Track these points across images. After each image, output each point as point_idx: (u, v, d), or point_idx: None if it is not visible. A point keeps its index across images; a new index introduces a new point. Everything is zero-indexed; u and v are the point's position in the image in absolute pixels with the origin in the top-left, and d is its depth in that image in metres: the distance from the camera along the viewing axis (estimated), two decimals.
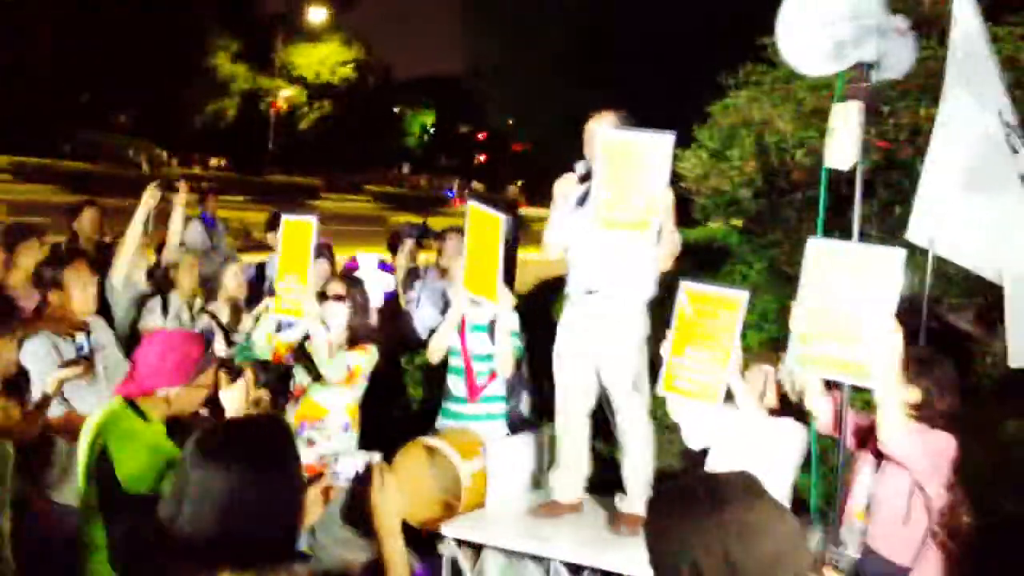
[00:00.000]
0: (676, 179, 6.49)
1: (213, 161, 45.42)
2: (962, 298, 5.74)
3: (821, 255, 3.67)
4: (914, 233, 4.63)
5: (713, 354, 3.96)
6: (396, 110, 57.92)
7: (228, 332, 5.20)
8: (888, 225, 5.47)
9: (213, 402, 3.15)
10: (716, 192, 6.25)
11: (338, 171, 45.90)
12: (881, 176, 5.72)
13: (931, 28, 5.86)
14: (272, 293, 4.93)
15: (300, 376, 4.94)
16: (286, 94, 45.69)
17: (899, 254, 3.52)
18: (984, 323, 6.30)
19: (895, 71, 3.83)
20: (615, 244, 4.51)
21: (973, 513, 3.72)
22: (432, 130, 65.60)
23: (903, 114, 5.65)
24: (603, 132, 4.38)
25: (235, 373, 3.13)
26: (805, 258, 3.67)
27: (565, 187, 4.69)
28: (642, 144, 4.22)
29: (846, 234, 3.93)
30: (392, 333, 6.07)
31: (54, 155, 34.13)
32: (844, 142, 3.73)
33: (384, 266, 6.26)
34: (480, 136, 64.65)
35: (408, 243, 6.64)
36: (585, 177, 4.64)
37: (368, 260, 5.78)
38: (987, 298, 5.40)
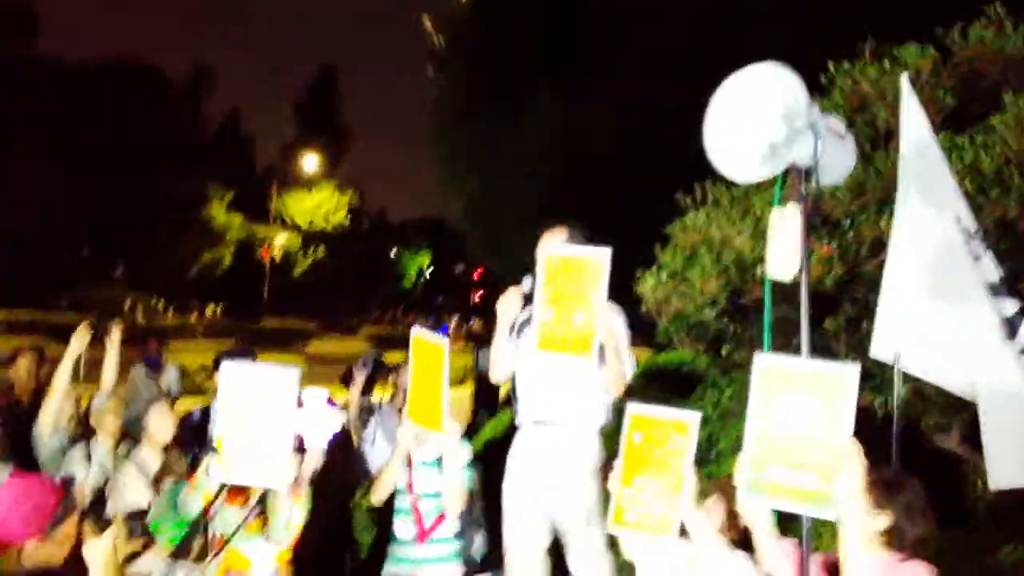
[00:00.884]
0: (637, 302, 6.28)
1: (209, 309, 45.57)
2: (943, 417, 5.43)
3: (770, 372, 3.40)
4: (878, 349, 4.38)
5: (665, 483, 3.65)
6: (392, 253, 58.50)
7: (157, 480, 4.87)
8: (855, 341, 5.21)
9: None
10: (679, 314, 6.04)
11: (334, 314, 46.04)
12: (846, 291, 5.50)
13: (889, 141, 5.75)
14: (213, 449, 4.55)
15: (220, 525, 4.59)
16: (280, 241, 46.25)
17: (853, 370, 3.23)
18: (971, 443, 5.98)
19: (835, 174, 3.63)
20: (560, 369, 4.27)
21: None
22: (429, 270, 66.10)
23: (864, 227, 5.47)
24: (544, 248, 4.20)
25: (103, 524, 2.80)
26: (753, 375, 3.39)
27: (508, 305, 4.46)
28: (581, 260, 4.02)
29: (821, 351, 3.67)
30: (344, 474, 5.75)
31: (49, 309, 34.23)
32: (784, 249, 3.50)
33: (332, 403, 5.97)
34: (476, 274, 65.12)
35: (360, 377, 6.40)
36: (531, 296, 4.44)
37: (314, 396, 5.47)
38: (971, 416, 5.11)
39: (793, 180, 3.55)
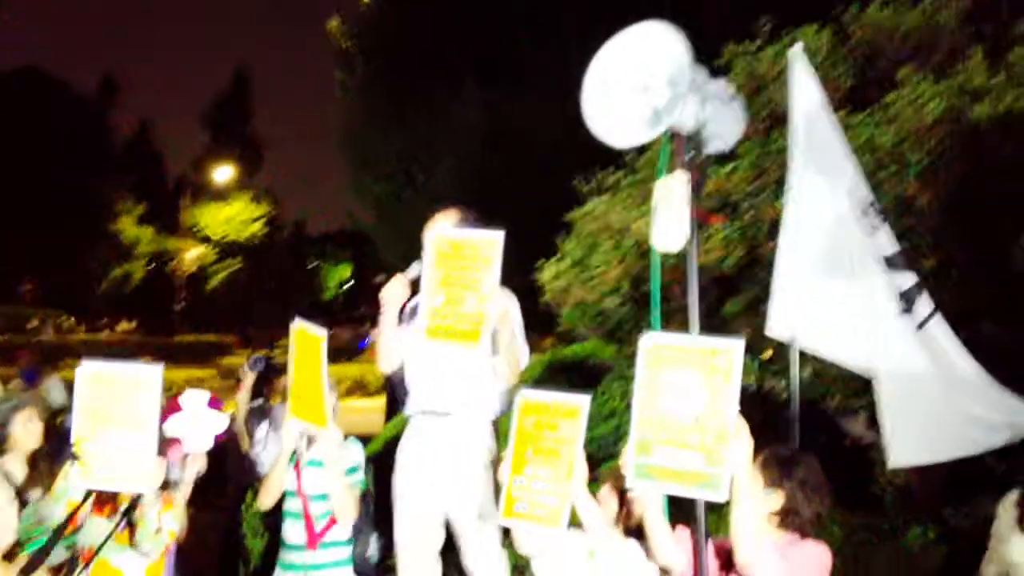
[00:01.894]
0: (538, 292, 6.11)
1: (122, 325, 44.31)
2: (847, 398, 5.35)
3: (655, 350, 3.22)
4: (774, 327, 4.25)
5: (556, 472, 3.45)
6: (310, 265, 57.67)
7: (20, 491, 4.51)
8: (756, 324, 5.09)
9: None
10: (581, 303, 5.89)
11: (253, 328, 45.04)
12: (746, 274, 5.40)
13: (787, 122, 5.66)
14: (72, 456, 4.20)
15: (88, 537, 4.26)
16: (193, 254, 45.21)
17: (737, 344, 3.07)
18: (878, 427, 5.94)
19: (722, 141, 3.47)
20: (450, 357, 4.06)
21: None
22: (350, 283, 65.29)
23: (763, 208, 5.38)
24: (433, 231, 3.97)
25: None
26: (639, 354, 3.21)
27: (394, 292, 4.22)
28: (473, 242, 3.80)
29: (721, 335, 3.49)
30: (234, 478, 5.44)
31: None
32: (669, 220, 3.33)
33: (216, 403, 5.66)
34: None
35: (248, 379, 6.08)
36: (419, 282, 4.20)
37: (196, 398, 5.16)
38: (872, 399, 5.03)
39: (677, 147, 3.38)
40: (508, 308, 4.10)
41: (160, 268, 44.59)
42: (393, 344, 4.34)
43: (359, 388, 20.55)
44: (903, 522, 5.50)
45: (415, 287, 4.18)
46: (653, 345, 3.18)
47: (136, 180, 43.31)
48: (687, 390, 3.07)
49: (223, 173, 47.11)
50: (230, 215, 46.90)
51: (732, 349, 3.03)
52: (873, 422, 5.75)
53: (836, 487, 4.60)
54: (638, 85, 3.33)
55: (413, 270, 4.19)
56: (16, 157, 36.86)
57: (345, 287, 64.47)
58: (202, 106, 51.70)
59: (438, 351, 4.01)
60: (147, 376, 3.96)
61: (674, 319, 3.95)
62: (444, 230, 4.00)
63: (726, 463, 2.96)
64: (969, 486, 5.49)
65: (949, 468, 5.63)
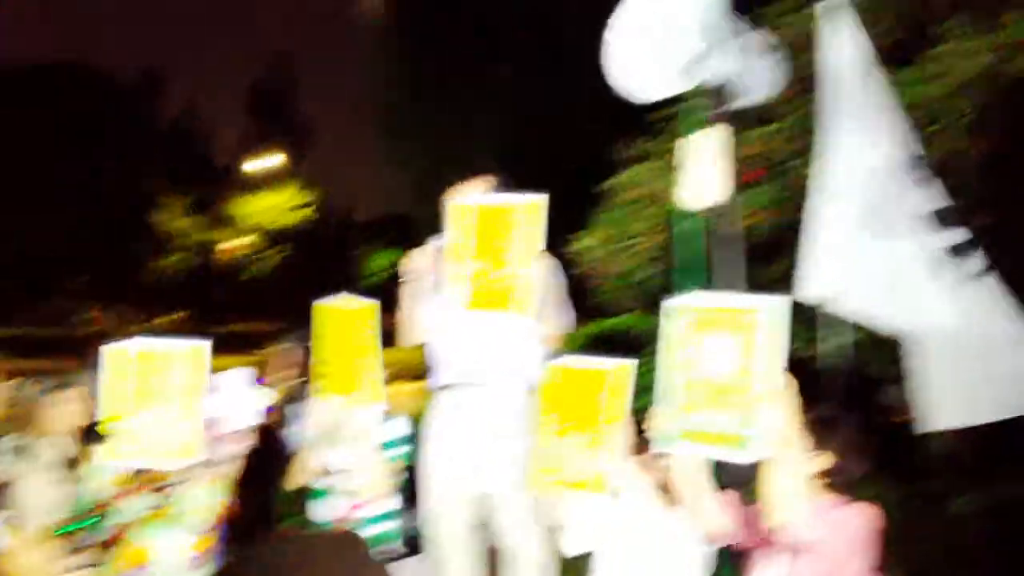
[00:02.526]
0: (573, 264, 6.00)
1: (174, 315, 44.79)
2: (890, 364, 5.19)
3: (683, 312, 3.11)
4: (805, 289, 4.09)
5: (597, 437, 3.36)
6: (356, 252, 57.83)
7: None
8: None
9: None
10: (620, 275, 5.75)
11: (302, 314, 45.12)
12: (785, 239, 5.24)
13: None
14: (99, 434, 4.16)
15: (125, 514, 4.23)
16: (241, 243, 45.52)
17: (782, 303, 2.95)
18: None
19: (756, 94, 3.35)
20: (485, 326, 3.98)
21: None
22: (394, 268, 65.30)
23: (804, 171, 5.20)
24: (471, 198, 3.89)
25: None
26: (661, 321, 3.10)
27: (420, 262, 4.14)
28: (513, 209, 3.72)
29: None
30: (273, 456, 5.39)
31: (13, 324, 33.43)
32: (700, 176, 3.22)
33: (261, 380, 5.64)
34: None
35: (284, 356, 6.01)
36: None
37: (238, 376, 5.14)
38: None
39: (712, 100, 3.27)
40: (551, 273, 4.00)
41: (208, 257, 44.89)
42: (415, 318, 4.25)
43: (405, 372, 20.57)
44: (951, 490, 5.35)
45: (438, 257, 4.11)
46: (680, 306, 3.08)
47: (180, 170, 43.57)
48: (720, 350, 2.97)
49: (268, 162, 47.34)
50: (276, 203, 47.10)
51: (764, 308, 2.91)
52: None
53: (880, 456, 4.49)
54: (671, 33, 3.22)
55: (436, 241, 4.11)
56: (61, 151, 37.29)
57: (388, 273, 64.56)
58: (246, 95, 51.98)
59: (472, 320, 3.94)
60: (193, 350, 3.95)
61: (713, 281, 3.83)
62: (482, 196, 3.93)
63: (761, 424, 2.85)
64: (1019, 453, 5.33)
65: (997, 435, 5.48)
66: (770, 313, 2.87)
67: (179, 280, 43.75)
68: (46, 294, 38.19)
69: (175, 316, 44.27)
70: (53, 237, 37.04)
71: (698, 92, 3.24)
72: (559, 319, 4.10)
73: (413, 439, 4.52)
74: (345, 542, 1.07)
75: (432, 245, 4.12)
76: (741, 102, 3.26)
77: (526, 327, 4.00)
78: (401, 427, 4.45)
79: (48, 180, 36.76)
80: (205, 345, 3.98)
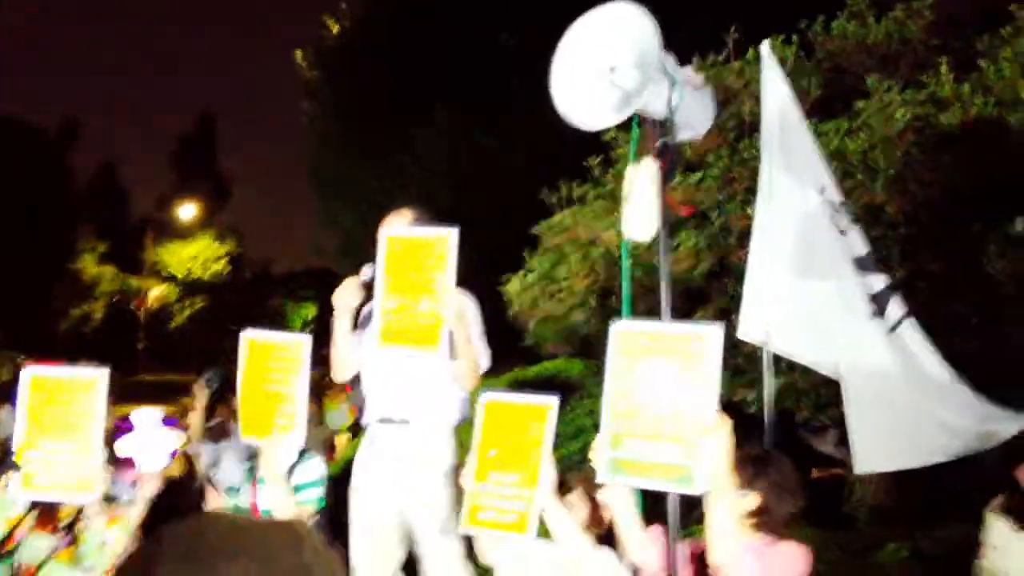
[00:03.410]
0: (504, 308, 5.96)
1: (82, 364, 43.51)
2: (819, 411, 5.23)
3: (627, 338, 3.08)
4: (746, 329, 4.11)
5: (523, 476, 3.28)
6: (275, 304, 57.10)
7: None
8: (726, 334, 4.97)
9: None
10: (547, 318, 5.74)
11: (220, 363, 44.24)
12: (715, 283, 5.29)
13: (755, 131, 5.60)
14: (13, 465, 3.95)
15: (28, 554, 4.01)
16: (156, 293, 44.66)
17: (717, 331, 2.94)
18: (848, 447, 5.87)
19: (692, 129, 3.37)
20: (407, 363, 3.89)
21: None
22: (313, 323, 64.61)
23: (733, 218, 5.28)
24: (385, 230, 3.80)
25: None
26: (609, 342, 3.07)
27: (346, 297, 4.03)
28: (426, 240, 3.65)
29: None
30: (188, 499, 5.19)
31: None
32: (640, 209, 3.22)
33: (170, 421, 5.44)
34: None
35: (203, 396, 5.84)
36: (372, 285, 4.03)
37: (148, 416, 4.95)
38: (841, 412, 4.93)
39: (648, 133, 3.28)
40: (465, 309, 3.92)
41: (122, 307, 43.91)
42: (347, 352, 4.13)
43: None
44: (876, 540, 5.37)
45: (369, 291, 4.02)
46: (625, 331, 3.04)
47: (99, 220, 42.75)
48: (662, 379, 2.94)
49: (187, 211, 46.75)
50: (194, 253, 46.43)
51: (710, 334, 2.90)
52: (843, 439, 5.66)
53: (808, 505, 4.49)
54: (605, 66, 3.23)
55: (366, 273, 4.01)
56: None
57: (309, 327, 63.80)
58: (167, 146, 51.43)
59: (394, 356, 3.85)
60: (91, 379, 3.76)
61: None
62: (395, 229, 3.85)
63: (703, 456, 2.82)
64: (943, 509, 5.38)
65: (924, 490, 5.53)
66: (710, 340, 2.86)
67: (92, 329, 42.67)
68: None
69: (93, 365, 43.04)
70: None
71: (637, 124, 3.24)
72: (472, 358, 4.01)
73: (326, 481, 4.37)
74: (291, 529, 0.95)
75: (360, 277, 4.01)
76: (679, 135, 3.27)
77: (441, 365, 3.91)
78: (316, 469, 4.28)
79: None
80: (104, 372, 3.80)
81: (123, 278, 44.02)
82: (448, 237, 3.58)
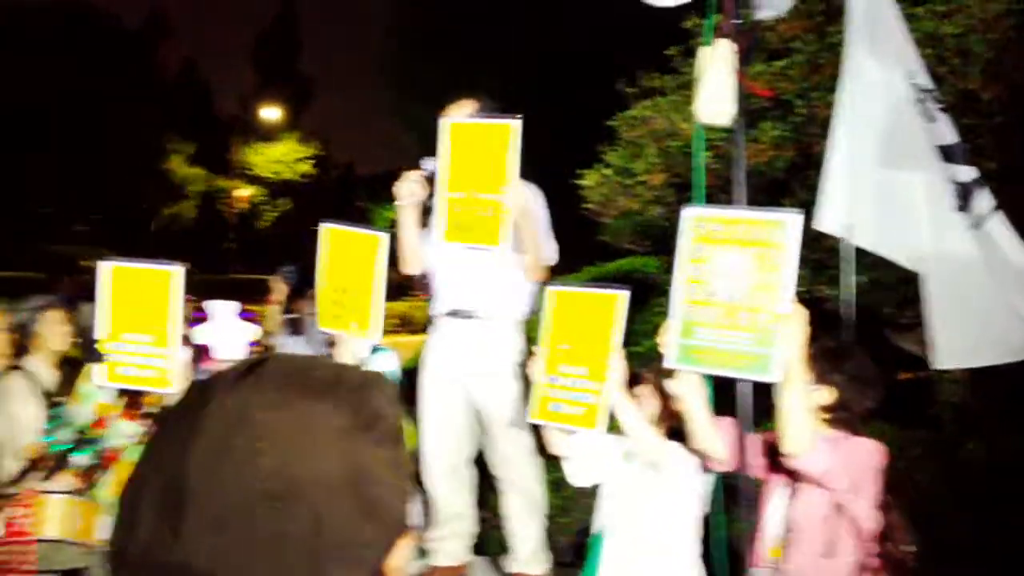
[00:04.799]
0: (579, 202, 5.86)
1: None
2: (904, 308, 5.06)
3: (699, 224, 2.98)
4: (826, 221, 3.95)
5: (592, 369, 3.24)
6: (360, 205, 57.69)
7: (48, 394, 4.42)
8: (808, 228, 4.80)
9: None
10: (624, 213, 5.61)
11: (302, 265, 45.03)
12: (798, 176, 5.09)
13: (841, 18, 5.32)
14: (96, 355, 4.03)
15: (114, 439, 4.14)
16: (244, 193, 45.42)
17: (796, 219, 2.82)
18: None
19: (773, 7, 3.20)
20: (473, 256, 3.83)
21: (922, 539, 2.99)
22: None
23: (818, 106, 5.04)
24: (447, 119, 3.70)
25: None
26: (680, 229, 2.98)
27: (410, 187, 3.96)
28: (488, 128, 3.53)
29: None
30: None
31: (11, 269, 33.38)
32: (714, 92, 3.08)
33: (246, 314, 5.53)
34: None
35: (280, 289, 5.90)
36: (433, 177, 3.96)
37: (223, 308, 5.04)
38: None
39: (727, 10, 3.11)
40: (530, 201, 3.83)
41: (211, 208, 44.82)
42: (412, 245, 4.09)
43: (405, 325, 20.55)
44: (959, 440, 5.24)
45: (432, 184, 3.95)
46: (697, 216, 2.94)
47: (185, 119, 43.33)
48: (736, 267, 2.85)
49: (271, 113, 47.09)
50: (279, 155, 46.95)
51: (788, 221, 2.79)
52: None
53: (891, 406, 4.37)
54: None
55: (428, 165, 3.93)
56: (64, 95, 36.99)
57: (393, 228, 64.33)
58: (250, 44, 51.58)
59: (460, 251, 3.79)
60: (169, 274, 3.81)
61: None
62: (457, 117, 3.74)
63: (778, 344, 2.74)
64: None
65: (1008, 386, 5.36)
66: (788, 228, 2.75)
67: (182, 229, 43.70)
68: (51, 239, 38.08)
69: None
70: (56, 181, 36.85)
71: (715, 2, 3.08)
72: (539, 250, 3.93)
73: (399, 375, 4.41)
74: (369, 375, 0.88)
75: (424, 168, 3.93)
76: (758, 13, 3.11)
77: (508, 258, 3.85)
78: (389, 362, 4.31)
79: (52, 124, 36.48)
80: (181, 268, 3.84)
81: (212, 179, 44.83)
82: (512, 125, 3.47)
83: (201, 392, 0.86)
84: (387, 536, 0.85)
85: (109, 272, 3.85)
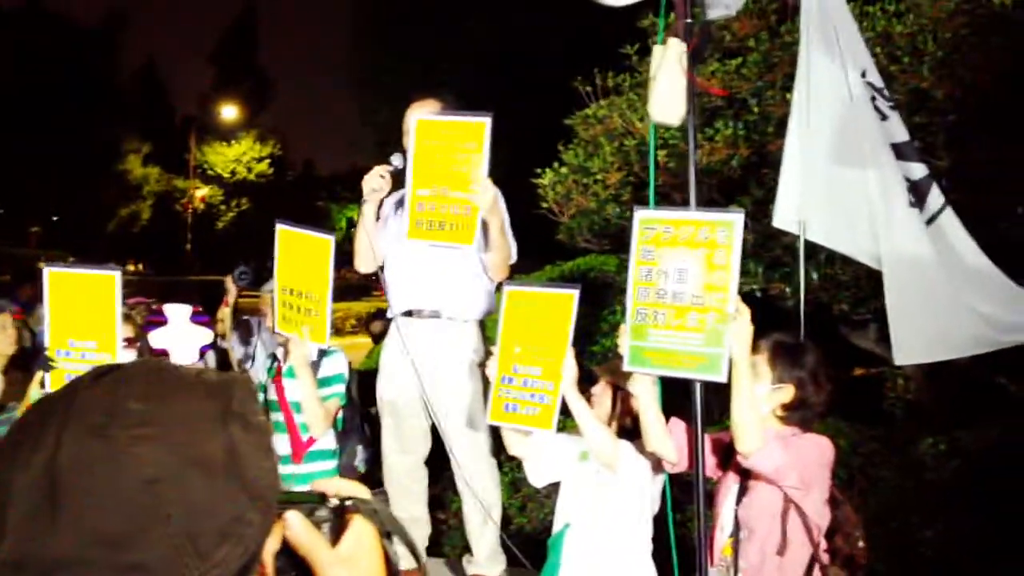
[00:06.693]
0: (537, 201, 5.86)
1: (131, 267, 44.22)
2: (858, 304, 5.11)
3: (650, 226, 3.01)
4: (781, 217, 3.97)
5: (546, 369, 3.25)
6: (320, 204, 57.36)
7: None
8: (763, 226, 4.84)
9: None
10: (581, 212, 5.62)
11: (262, 266, 44.68)
12: (754, 174, 5.12)
13: (797, 13, 5.35)
14: (45, 364, 3.97)
15: None
16: (201, 194, 45.01)
17: (738, 218, 2.87)
18: (887, 342, 5.77)
19: (724, 7, 3.21)
20: (433, 255, 3.81)
21: (875, 534, 3.02)
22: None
23: (771, 106, 5.07)
24: (416, 116, 3.69)
25: None
26: (632, 231, 3.00)
27: (373, 185, 3.93)
28: (459, 125, 3.53)
29: None
30: None
31: None
32: (665, 91, 3.08)
33: (199, 317, 5.46)
34: None
35: (232, 291, 5.82)
36: (402, 173, 3.94)
37: (178, 311, 4.98)
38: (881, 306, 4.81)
39: (678, 9, 3.12)
40: (499, 199, 3.82)
41: (168, 208, 44.40)
42: (369, 242, 4.06)
43: (365, 325, 20.49)
44: (914, 435, 5.30)
45: (396, 180, 3.93)
46: (647, 218, 2.96)
47: (142, 119, 42.87)
48: (685, 267, 2.88)
49: (229, 112, 46.73)
50: (237, 154, 46.59)
51: (733, 221, 2.82)
52: (883, 335, 5.55)
53: (846, 402, 4.39)
54: None
55: (395, 160, 3.92)
56: (20, 95, 36.46)
57: (354, 228, 63.99)
58: (208, 43, 51.18)
59: (423, 248, 3.77)
60: (106, 278, 3.77)
61: None
62: (427, 114, 3.73)
63: (726, 344, 2.78)
64: (980, 404, 5.29)
65: (961, 385, 5.43)
66: (738, 227, 2.79)
67: (145, 229, 43.24)
68: (3, 241, 37.53)
69: (134, 267, 43.85)
70: (12, 183, 36.30)
71: (666, 1, 3.09)
72: (506, 248, 3.93)
73: (348, 376, 4.36)
74: (219, 394, 0.86)
75: (392, 163, 3.91)
76: (710, 13, 3.12)
77: (469, 257, 3.85)
78: (339, 364, 4.25)
79: (4, 120, 35.90)
80: (116, 271, 3.82)
81: (169, 179, 44.40)
82: (484, 123, 3.47)
83: (63, 393, 0.86)
84: (265, 518, 0.86)
85: (48, 279, 3.81)
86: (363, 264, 4.12)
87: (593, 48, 6.20)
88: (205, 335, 5.25)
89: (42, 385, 3.83)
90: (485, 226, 3.72)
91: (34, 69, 37.21)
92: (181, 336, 4.67)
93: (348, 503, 1.00)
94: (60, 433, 0.80)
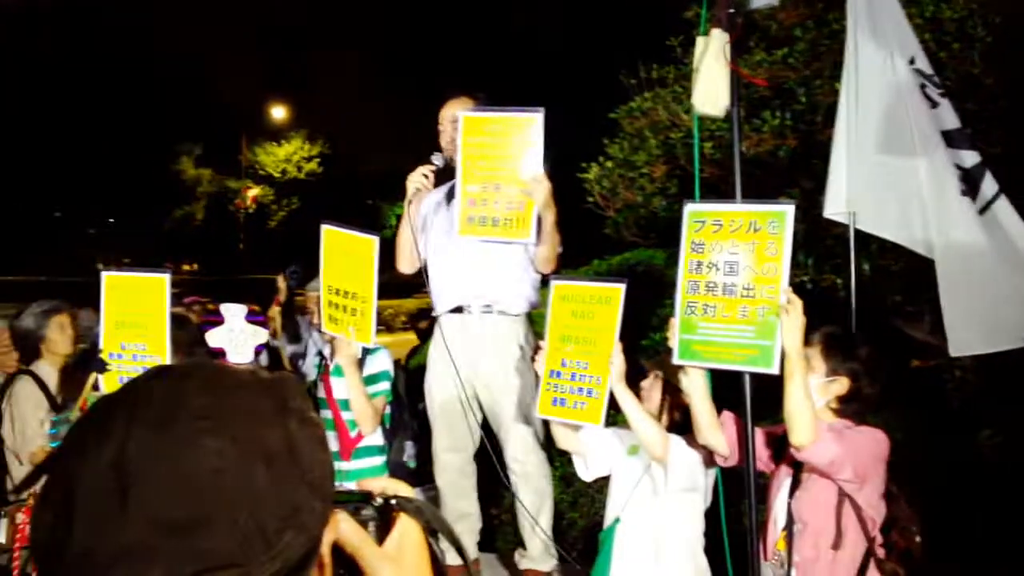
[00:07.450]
0: (583, 195, 5.85)
1: (185, 266, 44.87)
2: (911, 295, 5.03)
3: (699, 220, 3.00)
4: (831, 207, 3.93)
5: (593, 363, 3.25)
6: (370, 202, 57.69)
7: (53, 399, 4.43)
8: (812, 217, 4.78)
9: None
10: (627, 206, 5.59)
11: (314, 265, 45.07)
12: (802, 164, 5.06)
13: (844, 2, 5.28)
14: (100, 365, 4.06)
15: None
16: (253, 193, 45.51)
17: (788, 209, 2.85)
18: (942, 333, 5.67)
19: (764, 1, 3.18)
20: (479, 250, 3.83)
21: (931, 529, 2.98)
22: None
23: (819, 95, 5.01)
24: (464, 113, 3.71)
25: None
26: (682, 225, 3.00)
27: (420, 181, 3.96)
28: (510, 124, 3.56)
29: None
30: None
31: (22, 272, 33.54)
32: (709, 81, 3.06)
33: (253, 316, 5.51)
34: None
35: (284, 289, 5.88)
36: (443, 172, 3.97)
37: (234, 311, 5.03)
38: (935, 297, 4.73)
39: (720, 2, 3.10)
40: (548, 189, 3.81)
41: (221, 208, 44.96)
42: (413, 242, 4.07)
43: (413, 323, 20.58)
44: (971, 426, 5.22)
45: (439, 178, 3.96)
46: (696, 211, 2.96)
47: (195, 121, 43.45)
48: (735, 260, 2.87)
49: (277, 112, 47.17)
50: (287, 153, 47.00)
51: (784, 212, 2.81)
52: (937, 326, 5.46)
53: (903, 393, 4.32)
54: None
55: (435, 160, 3.95)
56: (72, 98, 37.13)
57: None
58: (256, 45, 51.60)
59: (470, 244, 3.79)
60: (157, 280, 3.87)
61: None
62: (475, 110, 3.75)
63: (777, 336, 2.76)
64: None
65: (1019, 375, 5.32)
66: (788, 218, 2.78)
67: (199, 229, 43.84)
68: (65, 242, 38.36)
69: (189, 267, 44.50)
70: (66, 184, 37.02)
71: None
72: (552, 240, 3.93)
73: (394, 373, 4.39)
74: (275, 392, 0.87)
75: (433, 162, 3.94)
76: (753, 3, 3.10)
77: (515, 251, 3.86)
78: (384, 361, 4.28)
79: (60, 125, 36.61)
80: (165, 275, 3.91)
81: (221, 180, 44.94)
82: (535, 118, 3.50)
83: (126, 390, 0.88)
84: (325, 507, 0.89)
85: (105, 282, 3.91)
86: (405, 264, 4.15)
87: (639, 39, 6.17)
88: (261, 334, 5.30)
89: (95, 387, 3.92)
90: (538, 220, 3.72)
91: (84, 70, 37.87)
92: (237, 335, 4.71)
93: (393, 502, 1.01)
94: (127, 426, 0.83)
